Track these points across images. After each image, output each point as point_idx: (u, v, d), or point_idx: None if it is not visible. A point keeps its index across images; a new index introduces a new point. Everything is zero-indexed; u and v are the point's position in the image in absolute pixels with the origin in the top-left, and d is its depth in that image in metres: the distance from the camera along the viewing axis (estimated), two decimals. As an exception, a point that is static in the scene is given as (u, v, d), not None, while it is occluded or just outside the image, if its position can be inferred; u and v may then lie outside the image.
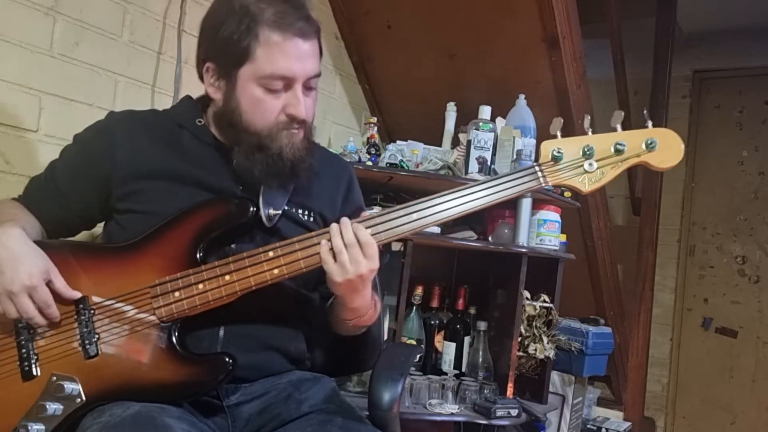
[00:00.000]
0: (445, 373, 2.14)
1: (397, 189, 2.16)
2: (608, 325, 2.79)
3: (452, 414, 1.99)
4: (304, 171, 1.16)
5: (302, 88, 1.13)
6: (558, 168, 1.12)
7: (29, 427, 1.01)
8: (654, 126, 1.14)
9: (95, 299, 1.08)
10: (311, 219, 1.23)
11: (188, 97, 1.29)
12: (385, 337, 1.98)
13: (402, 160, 2.16)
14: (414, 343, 2.11)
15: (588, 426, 2.88)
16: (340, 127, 2.65)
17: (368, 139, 2.29)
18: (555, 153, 1.11)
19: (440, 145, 2.33)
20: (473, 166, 2.10)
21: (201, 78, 1.19)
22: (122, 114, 1.25)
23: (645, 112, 1.18)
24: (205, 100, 1.23)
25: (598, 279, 2.80)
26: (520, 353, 2.19)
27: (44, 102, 1.60)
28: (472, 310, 2.25)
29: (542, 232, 2.21)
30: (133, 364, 1.05)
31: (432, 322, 2.22)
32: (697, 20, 3.53)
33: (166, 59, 1.90)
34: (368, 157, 2.19)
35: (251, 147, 1.12)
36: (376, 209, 1.73)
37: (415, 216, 1.10)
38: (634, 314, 3.24)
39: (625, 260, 3.33)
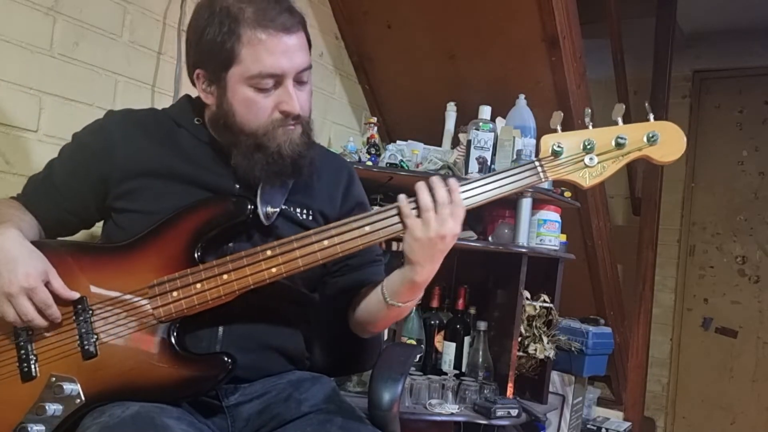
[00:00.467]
0: (445, 373, 2.13)
1: (397, 189, 2.16)
2: (608, 325, 2.79)
3: (452, 414, 1.99)
4: (306, 167, 1.15)
5: (294, 83, 1.11)
6: (558, 163, 1.10)
7: (29, 428, 1.01)
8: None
9: (94, 299, 1.08)
10: (310, 218, 1.22)
11: (187, 96, 1.28)
12: (385, 337, 1.98)
13: (402, 160, 2.16)
14: (414, 343, 2.11)
15: (588, 426, 2.88)
16: (340, 127, 2.65)
17: (368, 139, 2.29)
18: (555, 147, 1.09)
19: (440, 145, 2.33)
20: (473, 166, 2.10)
21: (194, 84, 1.18)
22: (121, 113, 1.25)
23: (647, 104, 1.15)
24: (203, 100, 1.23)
25: (598, 279, 2.79)
26: (520, 353, 2.19)
27: (44, 102, 1.60)
28: (472, 310, 2.24)
29: (542, 232, 2.21)
30: (132, 364, 1.05)
31: (432, 322, 2.22)
32: (697, 20, 3.53)
33: (166, 59, 1.90)
34: (368, 157, 2.19)
35: (249, 148, 1.12)
36: (375, 209, 1.73)
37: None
38: (634, 314, 3.23)
39: (625, 260, 3.33)
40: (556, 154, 1.10)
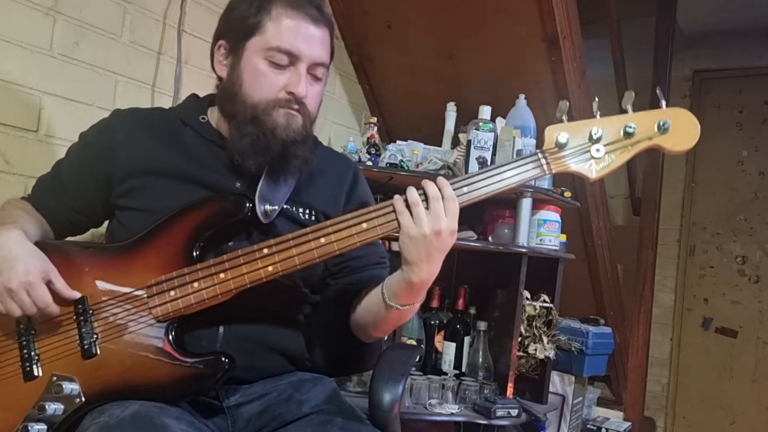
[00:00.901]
0: (445, 373, 2.14)
1: (397, 189, 2.16)
2: (608, 325, 2.79)
3: (452, 414, 1.99)
4: (296, 158, 1.14)
5: (308, 75, 1.14)
6: (563, 154, 1.04)
7: (30, 427, 1.01)
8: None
9: (94, 299, 1.08)
10: (312, 217, 1.22)
11: (194, 95, 1.30)
12: (385, 338, 1.98)
13: (402, 160, 2.16)
14: (414, 343, 2.11)
15: (588, 426, 2.88)
16: (340, 127, 2.65)
17: (368, 139, 2.29)
18: (560, 138, 1.03)
19: (440, 145, 2.32)
20: (473, 166, 2.10)
21: (212, 60, 1.20)
22: (127, 111, 1.25)
23: (657, 90, 1.06)
24: (210, 97, 1.24)
25: (598, 279, 2.80)
26: (520, 353, 2.19)
27: (44, 102, 1.60)
28: (472, 310, 2.24)
29: (542, 232, 2.21)
30: (131, 363, 1.05)
31: (432, 322, 2.22)
32: (697, 20, 3.53)
33: (166, 59, 1.90)
34: (368, 157, 2.19)
35: (245, 119, 1.12)
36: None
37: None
38: (634, 314, 3.23)
39: (625, 260, 3.33)
40: (560, 145, 1.04)
